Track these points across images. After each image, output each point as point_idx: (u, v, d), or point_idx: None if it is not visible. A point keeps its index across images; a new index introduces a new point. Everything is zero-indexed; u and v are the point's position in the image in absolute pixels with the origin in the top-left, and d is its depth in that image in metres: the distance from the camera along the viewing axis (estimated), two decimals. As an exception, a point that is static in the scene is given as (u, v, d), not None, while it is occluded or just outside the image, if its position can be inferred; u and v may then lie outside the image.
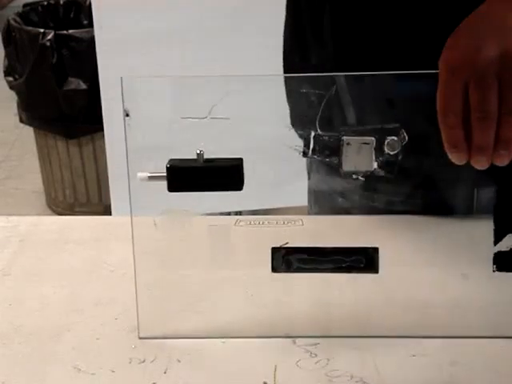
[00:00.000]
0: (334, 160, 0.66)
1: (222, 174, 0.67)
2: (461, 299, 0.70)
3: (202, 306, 0.71)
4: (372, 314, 0.69)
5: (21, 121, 2.51)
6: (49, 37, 2.23)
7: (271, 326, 0.69)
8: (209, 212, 0.83)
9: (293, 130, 0.79)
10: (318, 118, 0.67)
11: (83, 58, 2.22)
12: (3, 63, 2.47)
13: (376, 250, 0.66)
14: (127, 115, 0.64)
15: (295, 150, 0.68)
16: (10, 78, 2.42)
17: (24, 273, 0.79)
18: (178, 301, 0.71)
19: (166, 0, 1.70)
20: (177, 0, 1.69)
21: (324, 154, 0.67)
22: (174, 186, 0.66)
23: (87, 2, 2.41)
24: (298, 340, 0.68)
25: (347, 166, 0.66)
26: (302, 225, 0.83)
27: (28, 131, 2.63)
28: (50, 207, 2.63)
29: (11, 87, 2.44)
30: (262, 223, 0.84)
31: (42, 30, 2.27)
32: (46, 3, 2.53)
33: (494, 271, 0.66)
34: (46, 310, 0.73)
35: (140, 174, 0.66)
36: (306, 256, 0.67)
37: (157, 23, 1.70)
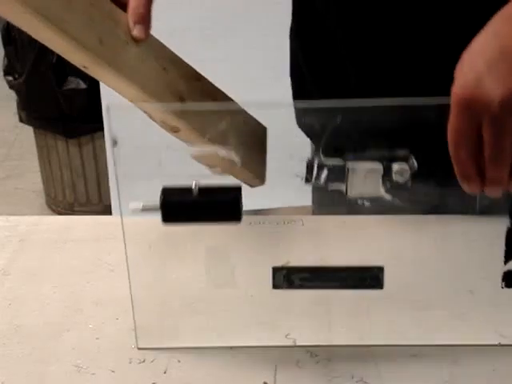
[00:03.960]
0: (339, 186, 0.64)
1: (219, 207, 0.64)
2: (466, 313, 0.69)
3: (202, 310, 0.70)
4: (374, 328, 0.69)
5: (20, 120, 2.51)
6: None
7: (272, 330, 0.69)
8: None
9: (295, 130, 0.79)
10: (321, 148, 0.65)
11: (83, 58, 2.22)
12: (3, 62, 2.47)
13: (381, 269, 0.65)
14: (115, 143, 0.61)
15: (297, 176, 0.65)
16: (10, 78, 2.42)
17: (24, 273, 0.79)
18: (175, 307, 0.70)
19: (165, 0, 1.70)
20: (176, 0, 1.69)
21: (328, 181, 0.64)
22: (168, 219, 0.63)
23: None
24: (298, 340, 0.68)
25: (353, 193, 0.64)
26: (303, 225, 0.83)
27: (28, 131, 2.63)
28: (49, 207, 2.64)
29: (11, 86, 2.44)
30: (263, 223, 0.84)
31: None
32: (45, 2, 2.53)
33: (502, 287, 0.66)
34: (46, 309, 0.73)
35: (132, 205, 0.63)
36: (308, 275, 0.65)
37: (156, 23, 1.71)
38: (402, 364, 0.66)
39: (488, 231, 0.64)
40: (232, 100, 0.74)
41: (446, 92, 0.72)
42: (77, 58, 0.61)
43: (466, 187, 0.59)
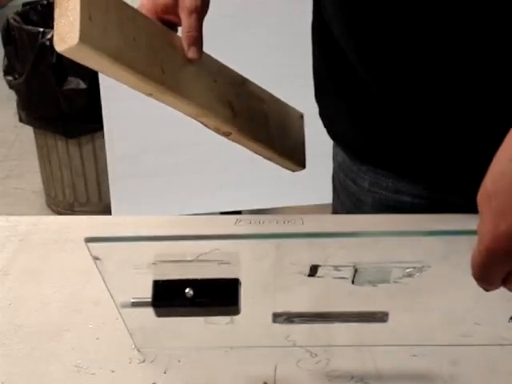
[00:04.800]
0: (346, 275, 0.61)
1: (215, 304, 0.60)
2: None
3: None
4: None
5: (20, 120, 2.51)
6: (48, 36, 2.23)
7: (272, 332, 0.69)
8: (209, 211, 0.83)
9: None
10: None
11: (83, 58, 2.22)
12: (3, 62, 2.46)
13: (386, 314, 0.63)
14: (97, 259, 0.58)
15: (299, 273, 0.60)
16: (10, 78, 2.42)
17: (24, 273, 0.79)
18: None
19: None
20: None
21: (334, 274, 0.61)
22: (162, 315, 0.61)
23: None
24: (298, 342, 0.68)
25: (360, 282, 0.61)
26: (302, 224, 0.83)
27: (28, 131, 2.63)
28: (49, 207, 2.63)
29: (11, 86, 2.44)
30: (262, 223, 0.84)
31: (41, 29, 2.27)
32: (45, 2, 2.53)
33: (508, 322, 0.65)
34: (46, 309, 0.73)
35: (122, 300, 0.61)
36: (309, 318, 0.64)
37: None
38: (401, 364, 0.66)
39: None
40: (270, 93, 0.80)
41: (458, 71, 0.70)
42: (143, 88, 0.66)
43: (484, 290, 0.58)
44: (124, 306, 0.61)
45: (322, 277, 0.60)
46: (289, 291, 0.63)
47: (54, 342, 0.69)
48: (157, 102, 0.70)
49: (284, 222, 0.84)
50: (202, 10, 0.70)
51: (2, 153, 3.02)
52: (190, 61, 0.70)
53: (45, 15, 2.48)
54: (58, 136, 2.42)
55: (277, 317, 0.64)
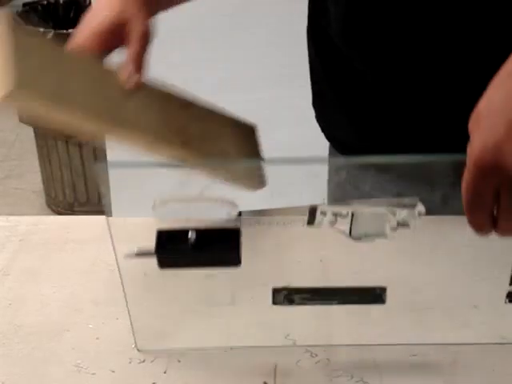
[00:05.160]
0: (343, 227, 0.62)
1: (217, 253, 0.62)
2: (469, 328, 0.69)
3: (202, 310, 0.70)
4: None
5: (21, 120, 2.51)
6: (48, 36, 2.23)
7: (272, 331, 0.69)
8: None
9: None
10: (325, 198, 0.63)
11: (83, 58, 2.21)
12: (3, 63, 2.46)
13: (384, 289, 0.64)
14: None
15: (298, 220, 0.62)
16: (10, 78, 2.42)
17: (24, 273, 0.79)
18: (175, 308, 0.70)
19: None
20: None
21: (332, 223, 0.62)
22: (165, 265, 0.62)
23: (87, 2, 2.41)
24: (298, 341, 0.68)
25: (357, 234, 0.62)
26: (303, 225, 0.83)
27: (28, 131, 2.63)
28: (49, 207, 2.63)
29: (11, 87, 2.44)
30: (263, 224, 0.84)
31: (41, 30, 2.27)
32: (45, 2, 2.53)
33: (505, 303, 0.66)
34: (46, 309, 0.73)
35: (126, 252, 0.62)
36: (309, 296, 0.65)
37: (156, 22, 1.70)
38: (401, 364, 0.66)
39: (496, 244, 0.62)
40: (221, 109, 0.73)
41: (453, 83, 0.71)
42: (88, 128, 0.61)
43: (476, 233, 0.58)
44: (128, 256, 0.61)
45: (320, 223, 0.61)
46: (288, 263, 0.64)
47: (54, 341, 0.69)
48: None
49: (284, 223, 0.84)
50: (149, 36, 0.68)
51: (2, 153, 3.01)
52: (132, 90, 0.65)
53: (45, 15, 2.48)
54: (58, 136, 2.42)
55: (276, 293, 0.64)
